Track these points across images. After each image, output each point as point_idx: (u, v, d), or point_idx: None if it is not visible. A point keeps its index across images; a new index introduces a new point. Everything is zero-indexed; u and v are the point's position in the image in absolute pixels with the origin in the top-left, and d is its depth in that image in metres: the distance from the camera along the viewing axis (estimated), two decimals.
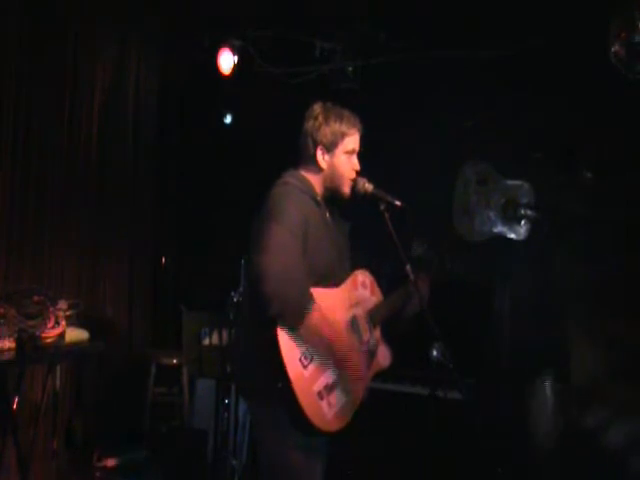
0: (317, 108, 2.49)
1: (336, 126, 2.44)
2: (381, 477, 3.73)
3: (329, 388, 2.28)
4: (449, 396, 3.30)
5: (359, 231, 2.70)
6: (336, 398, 2.30)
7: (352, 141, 2.47)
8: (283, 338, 2.20)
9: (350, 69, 4.81)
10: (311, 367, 2.24)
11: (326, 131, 2.43)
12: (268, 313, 2.17)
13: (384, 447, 3.69)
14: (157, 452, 4.47)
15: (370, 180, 2.51)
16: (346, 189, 2.49)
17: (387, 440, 3.69)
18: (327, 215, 2.50)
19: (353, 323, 2.46)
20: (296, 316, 2.21)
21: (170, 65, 5.39)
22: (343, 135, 2.45)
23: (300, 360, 2.22)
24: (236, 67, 4.89)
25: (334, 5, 4.48)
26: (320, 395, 2.25)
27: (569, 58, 3.93)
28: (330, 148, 2.45)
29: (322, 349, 2.28)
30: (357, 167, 2.50)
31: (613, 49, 3.26)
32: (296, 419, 2.22)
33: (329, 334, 2.29)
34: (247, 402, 2.69)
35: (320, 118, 2.45)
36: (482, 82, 4.27)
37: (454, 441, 3.52)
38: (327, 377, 2.29)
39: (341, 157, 2.46)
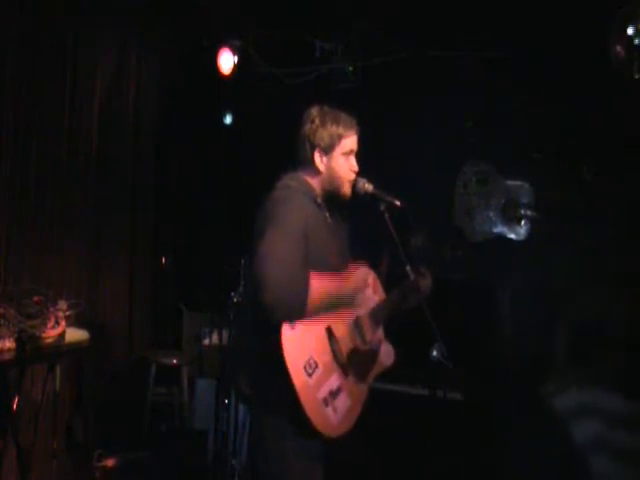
0: (314, 111, 2.48)
1: (333, 129, 2.43)
2: (380, 478, 3.72)
3: (334, 393, 2.27)
4: (449, 396, 3.30)
5: (359, 231, 2.70)
6: (341, 403, 2.29)
7: (349, 142, 2.46)
8: (287, 347, 2.17)
9: (350, 69, 4.81)
10: (316, 374, 2.22)
11: (323, 134, 2.43)
12: (270, 322, 2.16)
13: (383, 447, 3.68)
14: (157, 452, 4.47)
15: (370, 180, 2.51)
16: (346, 190, 2.48)
17: (386, 440, 3.68)
18: (327, 216, 2.49)
19: (356, 325, 2.45)
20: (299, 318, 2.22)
21: (170, 65, 5.39)
22: (340, 137, 2.44)
23: (305, 368, 2.20)
24: (236, 67, 4.90)
25: (334, 5, 4.48)
26: (325, 402, 2.23)
27: (569, 58, 3.94)
28: (327, 150, 2.44)
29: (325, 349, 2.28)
30: (355, 168, 2.49)
31: (613, 49, 3.26)
32: (301, 427, 2.20)
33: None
34: (249, 409, 2.65)
35: (317, 121, 2.44)
36: (482, 82, 4.28)
37: (454, 441, 3.52)
38: (331, 382, 2.28)
39: (339, 159, 2.45)
